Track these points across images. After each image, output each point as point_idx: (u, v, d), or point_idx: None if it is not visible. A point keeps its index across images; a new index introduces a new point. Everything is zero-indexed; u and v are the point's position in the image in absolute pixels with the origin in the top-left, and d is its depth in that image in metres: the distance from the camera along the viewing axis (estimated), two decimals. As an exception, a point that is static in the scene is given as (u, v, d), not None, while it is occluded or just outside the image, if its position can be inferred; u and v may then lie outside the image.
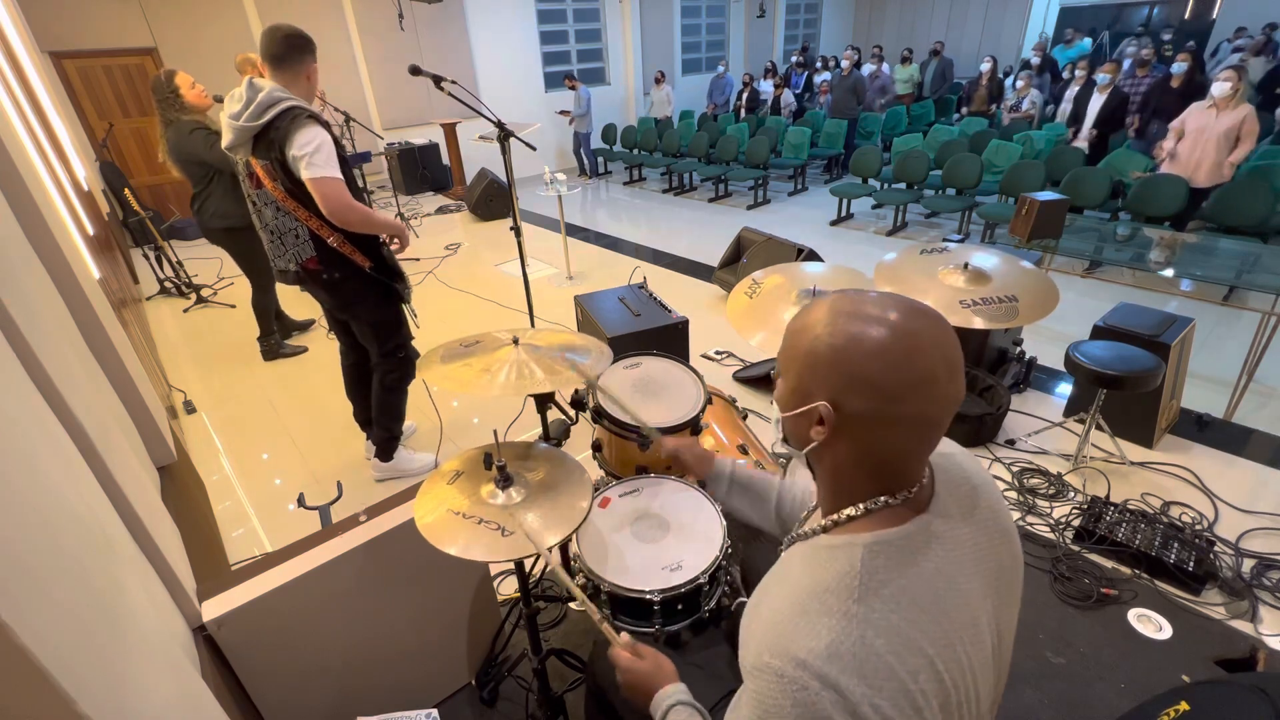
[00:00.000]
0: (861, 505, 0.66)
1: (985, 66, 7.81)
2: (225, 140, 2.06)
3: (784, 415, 0.69)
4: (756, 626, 0.67)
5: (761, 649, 0.62)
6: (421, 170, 8.28)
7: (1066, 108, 6.00)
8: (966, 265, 1.73)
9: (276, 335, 3.97)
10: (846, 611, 0.60)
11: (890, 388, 0.59)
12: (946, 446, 0.78)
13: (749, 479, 1.18)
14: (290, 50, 2.01)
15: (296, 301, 4.27)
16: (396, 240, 2.30)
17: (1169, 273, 3.91)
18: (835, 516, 0.68)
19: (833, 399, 0.62)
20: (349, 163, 2.15)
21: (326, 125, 2.03)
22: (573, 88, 8.52)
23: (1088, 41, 9.08)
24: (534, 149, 3.15)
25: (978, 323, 1.57)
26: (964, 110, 8.29)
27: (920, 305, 0.62)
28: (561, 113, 8.91)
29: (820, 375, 0.62)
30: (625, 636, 1.04)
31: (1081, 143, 5.62)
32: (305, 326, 4.26)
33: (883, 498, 0.65)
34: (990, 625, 0.67)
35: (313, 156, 1.95)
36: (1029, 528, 2.30)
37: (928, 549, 0.64)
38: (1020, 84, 6.78)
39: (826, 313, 0.64)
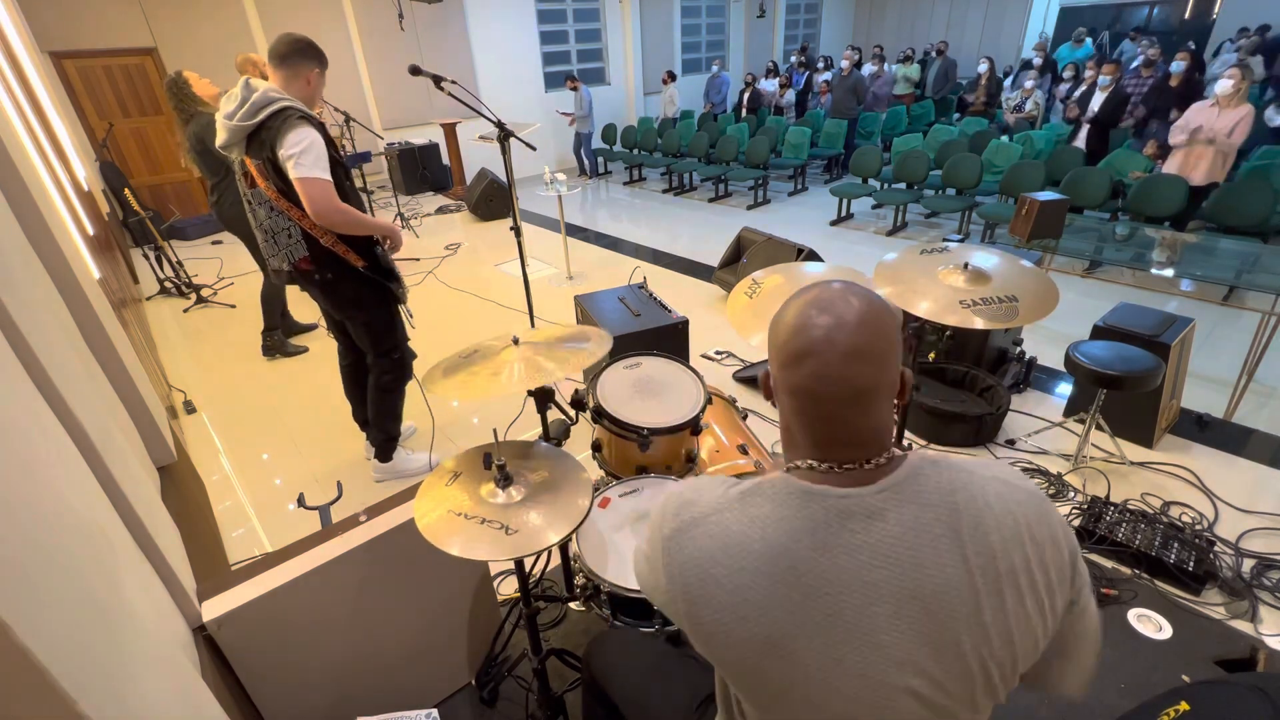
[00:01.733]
0: (794, 461, 0.73)
1: (983, 68, 7.80)
2: (220, 139, 2.06)
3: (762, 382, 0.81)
4: None
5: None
6: (421, 170, 8.28)
7: (1071, 104, 5.99)
8: (966, 265, 1.73)
9: (280, 332, 3.97)
10: (721, 498, 0.73)
11: (782, 356, 0.69)
12: (985, 470, 0.71)
13: None
14: (293, 52, 2.04)
15: (301, 304, 4.27)
16: (389, 241, 2.30)
17: (1169, 273, 3.91)
18: (784, 461, 0.77)
19: (771, 370, 0.74)
20: (344, 165, 2.15)
21: (321, 127, 2.04)
22: (574, 88, 8.52)
23: (1089, 41, 9.08)
24: (534, 149, 3.15)
25: (978, 323, 1.57)
26: (963, 110, 8.30)
27: (836, 292, 0.68)
28: (563, 114, 8.91)
29: (769, 346, 0.73)
30: None
31: (1080, 143, 5.62)
32: (309, 329, 4.26)
33: (809, 461, 0.71)
34: (900, 632, 0.64)
35: (300, 157, 1.95)
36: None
37: (820, 511, 0.67)
38: (1029, 84, 6.77)
39: (791, 298, 0.73)
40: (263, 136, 2.00)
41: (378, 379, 2.50)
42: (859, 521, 0.66)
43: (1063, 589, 0.70)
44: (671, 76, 9.50)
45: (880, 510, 0.66)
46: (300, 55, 2.05)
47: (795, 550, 0.66)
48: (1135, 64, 6.30)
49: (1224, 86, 4.27)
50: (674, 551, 0.71)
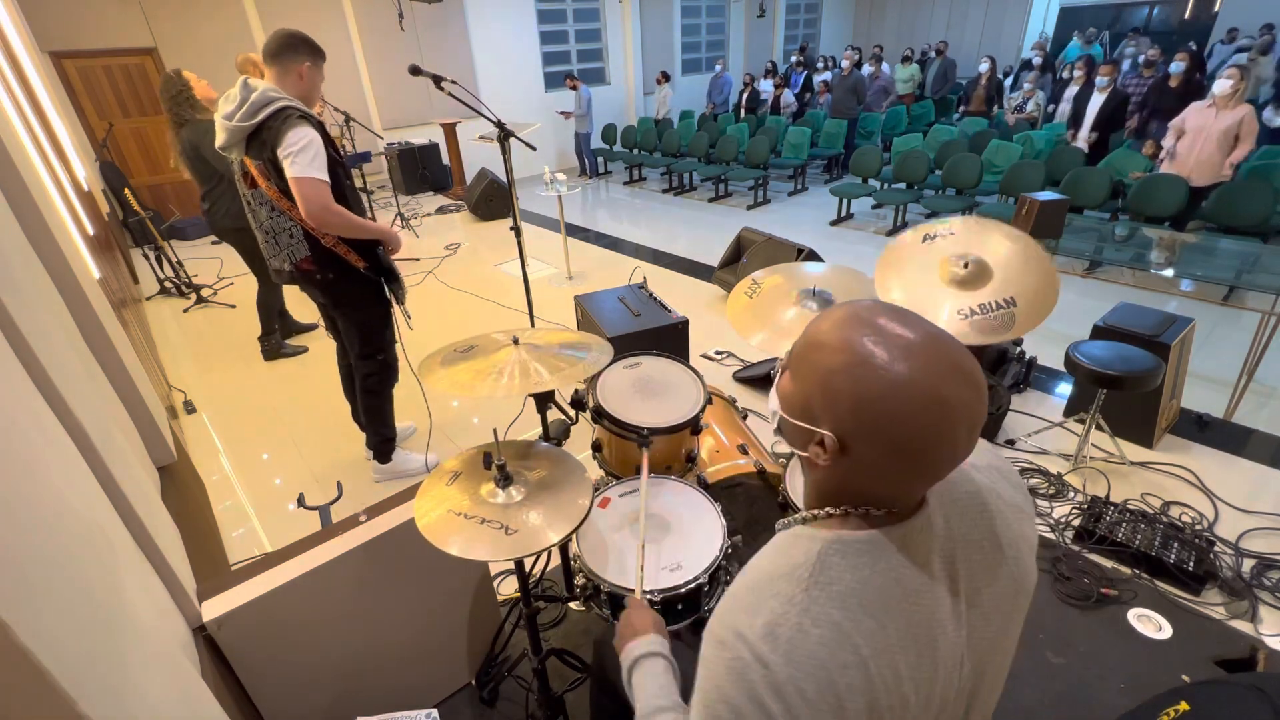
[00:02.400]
0: (842, 507, 0.66)
1: (984, 67, 7.81)
2: (219, 140, 2.06)
3: (783, 415, 0.68)
4: (723, 599, 0.70)
5: (715, 617, 0.66)
6: (421, 170, 8.28)
7: (1066, 108, 6.00)
8: (966, 265, 1.72)
9: (278, 335, 3.97)
10: (791, 597, 0.62)
11: (908, 450, 0.58)
12: (982, 458, 0.75)
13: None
14: (283, 47, 2.03)
15: (301, 304, 4.28)
16: (388, 244, 2.30)
17: (1169, 273, 3.91)
18: (815, 511, 0.69)
19: (841, 436, 0.60)
20: (344, 165, 2.15)
21: (320, 126, 2.03)
22: (574, 88, 8.52)
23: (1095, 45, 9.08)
24: (534, 149, 3.15)
25: (972, 338, 1.57)
26: (962, 109, 8.29)
27: (960, 359, 0.58)
28: (563, 113, 8.91)
29: (834, 410, 0.60)
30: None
31: (1081, 144, 5.62)
32: (308, 329, 4.26)
33: (865, 508, 0.65)
34: (961, 645, 0.66)
35: (297, 156, 1.95)
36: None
37: (890, 557, 0.64)
38: (1027, 85, 6.77)
39: (859, 342, 0.59)
40: (263, 137, 1.99)
41: (362, 381, 2.50)
42: (922, 548, 0.66)
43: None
44: (665, 77, 9.48)
45: (935, 529, 0.67)
46: (289, 50, 2.03)
47: (898, 608, 0.62)
48: (1125, 65, 6.32)
49: (1222, 87, 4.26)
50: (794, 682, 0.58)
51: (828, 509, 0.68)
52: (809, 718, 0.58)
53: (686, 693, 0.93)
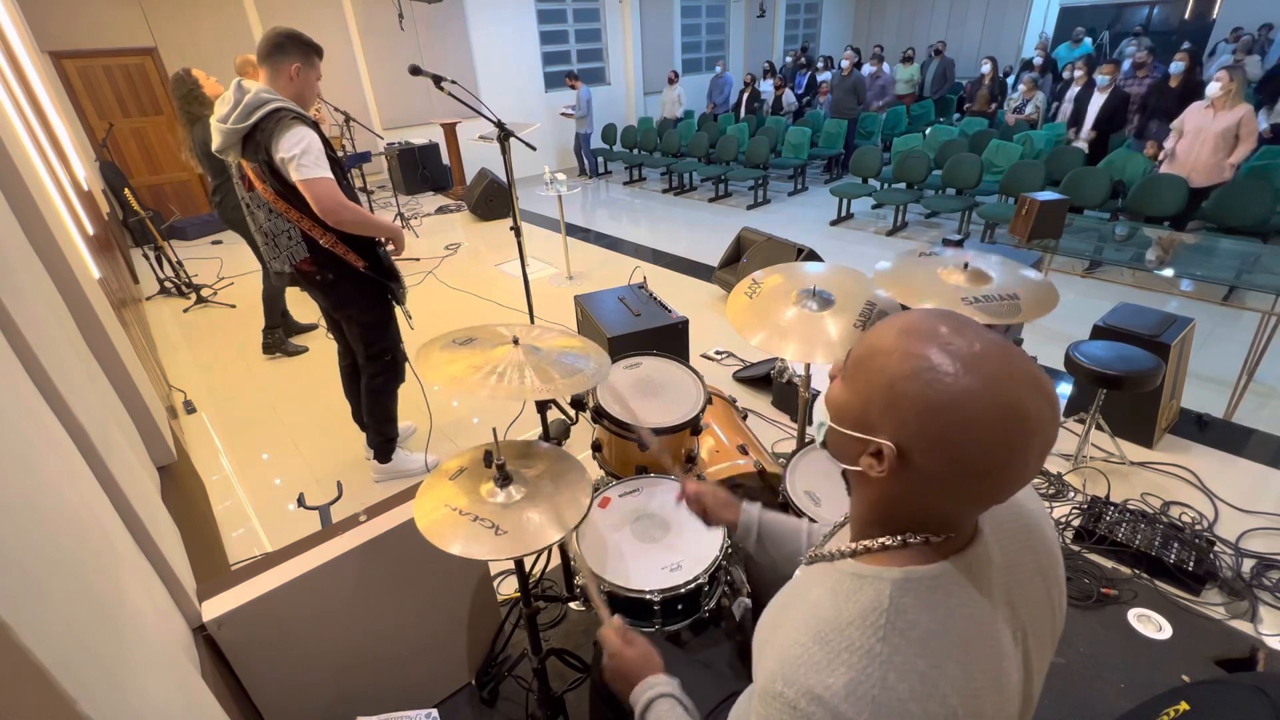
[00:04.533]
0: (899, 537, 0.61)
1: (986, 68, 7.81)
2: (215, 144, 2.05)
3: (835, 426, 0.63)
4: (772, 649, 0.63)
5: (775, 675, 0.59)
6: (421, 170, 8.28)
7: (1067, 108, 6.00)
8: (966, 265, 1.73)
9: (281, 331, 3.98)
10: (870, 650, 0.56)
11: (976, 465, 0.54)
12: None
13: (778, 527, 1.08)
14: (274, 48, 2.01)
15: (301, 304, 4.28)
16: (393, 243, 2.30)
17: (1169, 273, 3.90)
18: (867, 543, 0.64)
19: (901, 445, 0.56)
20: (341, 164, 2.15)
21: (315, 125, 2.02)
22: (574, 87, 8.52)
23: (1088, 41, 9.08)
24: (534, 149, 3.15)
25: (982, 320, 1.57)
26: (965, 109, 8.29)
27: (1038, 372, 0.55)
28: (564, 113, 8.89)
29: (897, 416, 0.56)
30: (618, 620, 1.03)
31: (1081, 143, 5.62)
32: (308, 329, 4.26)
33: (924, 535, 0.61)
34: (1018, 674, 0.63)
35: (301, 159, 1.94)
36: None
37: (961, 591, 0.60)
38: (1024, 87, 6.78)
39: (929, 347, 0.56)
40: (258, 139, 1.98)
41: (369, 381, 2.50)
42: (983, 579, 0.62)
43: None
44: (676, 76, 9.48)
45: (991, 558, 0.64)
46: (279, 51, 2.01)
47: (977, 648, 0.59)
48: (1126, 65, 6.32)
49: (1213, 89, 4.28)
50: None
51: (883, 540, 0.62)
52: None
53: (695, 695, 0.93)
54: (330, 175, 2.01)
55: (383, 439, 2.65)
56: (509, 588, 2.15)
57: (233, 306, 4.86)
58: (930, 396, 0.54)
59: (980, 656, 0.58)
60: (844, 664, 0.56)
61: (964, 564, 0.60)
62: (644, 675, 0.92)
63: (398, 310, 2.44)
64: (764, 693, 0.59)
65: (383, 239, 2.27)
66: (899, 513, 0.61)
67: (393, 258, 2.33)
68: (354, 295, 2.29)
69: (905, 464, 0.57)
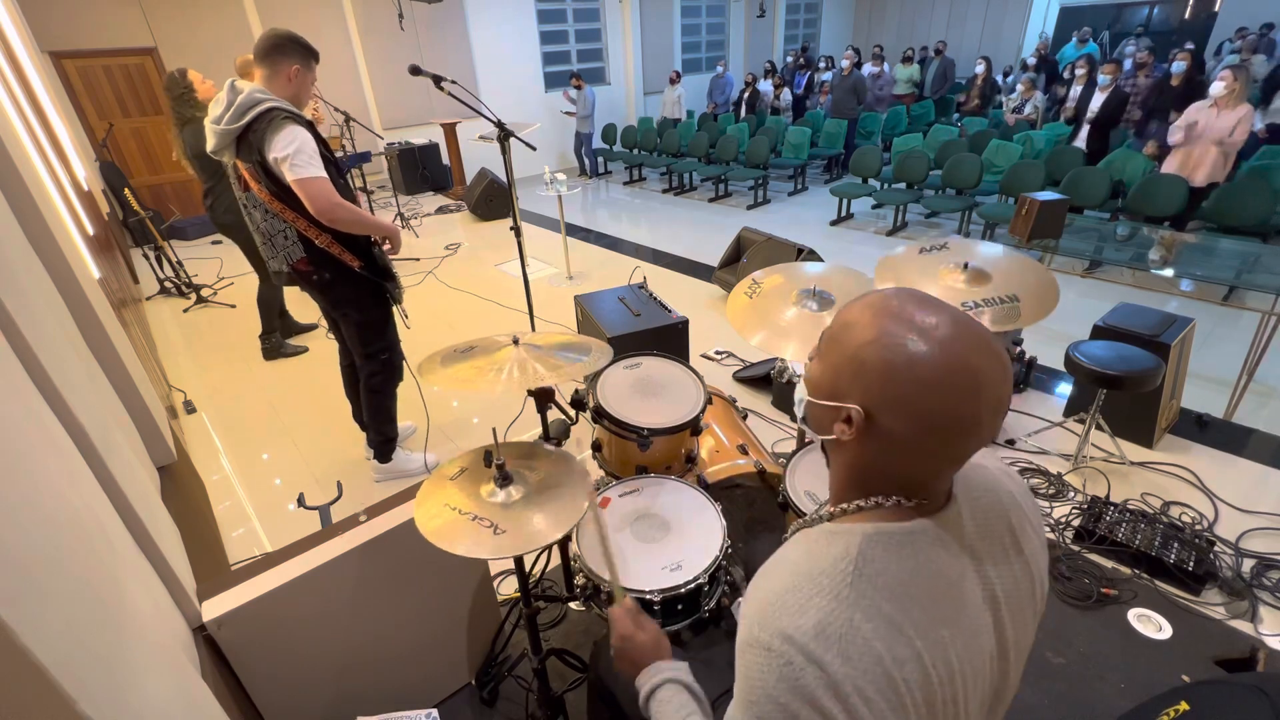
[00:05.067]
0: (872, 499, 0.66)
1: (979, 68, 7.80)
2: (209, 145, 2.05)
3: (811, 400, 0.68)
4: (750, 606, 0.67)
5: (752, 623, 0.63)
6: (421, 170, 8.28)
7: (1069, 107, 6.00)
8: (966, 265, 1.73)
9: (278, 335, 3.97)
10: (838, 594, 0.60)
11: (933, 420, 0.58)
12: (985, 459, 0.77)
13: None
14: (272, 48, 2.01)
15: (301, 304, 4.28)
16: (389, 242, 2.30)
17: (1169, 273, 3.91)
18: (844, 505, 0.68)
19: (868, 408, 0.61)
20: (337, 164, 2.14)
21: (309, 125, 2.02)
22: (579, 87, 8.51)
23: (1093, 41, 9.08)
24: (534, 149, 3.15)
25: (984, 323, 1.57)
26: (959, 109, 8.29)
27: (988, 335, 0.60)
28: (566, 112, 8.89)
29: (863, 382, 0.61)
30: (630, 601, 1.03)
31: (1081, 143, 5.62)
32: (308, 329, 4.26)
33: (895, 498, 0.65)
34: (990, 641, 0.66)
35: (294, 158, 1.93)
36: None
37: (930, 549, 0.63)
38: (1022, 87, 6.78)
39: (888, 315, 0.61)
40: (251, 139, 1.98)
41: (367, 380, 2.50)
42: (954, 543, 0.66)
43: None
44: (678, 76, 9.47)
45: (962, 525, 0.67)
46: (278, 51, 2.01)
47: (944, 598, 0.63)
48: (1127, 65, 6.32)
49: (1217, 88, 4.28)
50: (852, 682, 0.57)
51: (856, 502, 0.67)
52: (868, 716, 0.57)
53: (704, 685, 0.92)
54: (324, 174, 2.00)
55: (382, 439, 2.65)
56: (509, 588, 2.15)
57: (233, 306, 4.86)
58: (890, 360, 0.59)
59: (946, 609, 0.62)
60: (814, 607, 0.60)
61: (934, 525, 0.65)
62: (653, 660, 0.93)
63: (395, 310, 2.44)
64: (742, 644, 0.63)
65: (379, 238, 2.27)
66: (871, 476, 0.66)
67: (389, 257, 2.33)
68: (350, 295, 2.29)
69: (872, 426, 0.61)
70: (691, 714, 0.83)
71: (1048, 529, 2.28)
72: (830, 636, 0.58)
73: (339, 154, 2.06)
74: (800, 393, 0.72)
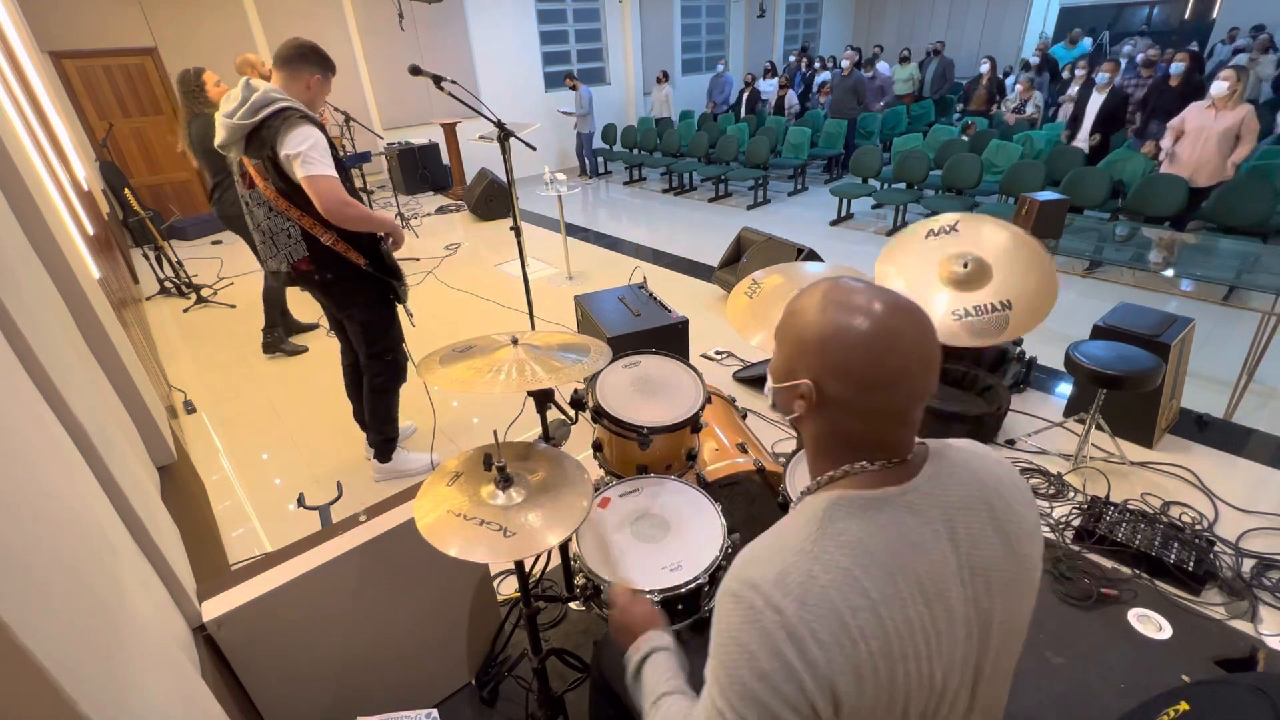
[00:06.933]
0: (841, 467, 0.72)
1: (985, 68, 7.81)
2: (218, 138, 2.06)
3: (773, 385, 0.76)
4: (732, 566, 0.72)
5: (728, 578, 0.69)
6: (421, 170, 8.28)
7: (1067, 108, 6.00)
8: (966, 265, 1.72)
9: (280, 330, 3.98)
10: (801, 549, 0.67)
11: (866, 379, 0.66)
12: (985, 451, 0.80)
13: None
14: (296, 56, 2.06)
15: (302, 304, 4.28)
16: (391, 238, 2.31)
17: (1169, 273, 3.91)
18: (820, 479, 0.74)
19: (815, 380, 0.69)
20: (344, 166, 2.16)
21: (321, 126, 2.05)
22: (573, 87, 8.51)
23: (1087, 41, 9.08)
24: (534, 149, 3.15)
25: (964, 339, 1.57)
26: (961, 108, 8.29)
27: (905, 302, 0.68)
28: (564, 112, 8.89)
29: (807, 358, 0.69)
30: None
31: (1081, 143, 5.62)
32: (309, 329, 4.26)
33: (861, 462, 0.71)
34: (962, 609, 0.69)
35: (307, 154, 1.95)
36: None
37: (896, 513, 0.68)
38: (1021, 87, 6.77)
39: (819, 299, 0.70)
40: (263, 136, 2.00)
41: (371, 380, 2.50)
42: (925, 512, 0.70)
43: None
44: (665, 77, 9.48)
45: (935, 496, 0.71)
46: (302, 59, 2.07)
47: (906, 558, 0.67)
48: (1125, 64, 6.32)
49: (1219, 88, 4.27)
50: (806, 625, 0.62)
51: (829, 473, 0.73)
52: (822, 658, 0.62)
53: (694, 689, 0.93)
54: (335, 174, 2.02)
55: (383, 439, 2.65)
56: (509, 588, 2.15)
57: (233, 306, 4.86)
58: (825, 333, 0.68)
59: (908, 567, 0.66)
60: (779, 560, 0.67)
61: (900, 493, 0.70)
62: (646, 630, 0.99)
63: (399, 309, 2.44)
64: (719, 594, 0.70)
65: (384, 234, 2.28)
66: (835, 444, 0.72)
67: (393, 254, 2.33)
68: (355, 295, 2.29)
69: (822, 396, 0.69)
70: (673, 676, 0.89)
71: (1048, 529, 2.28)
72: (789, 584, 0.64)
73: (340, 154, 2.08)
74: (768, 384, 0.80)
